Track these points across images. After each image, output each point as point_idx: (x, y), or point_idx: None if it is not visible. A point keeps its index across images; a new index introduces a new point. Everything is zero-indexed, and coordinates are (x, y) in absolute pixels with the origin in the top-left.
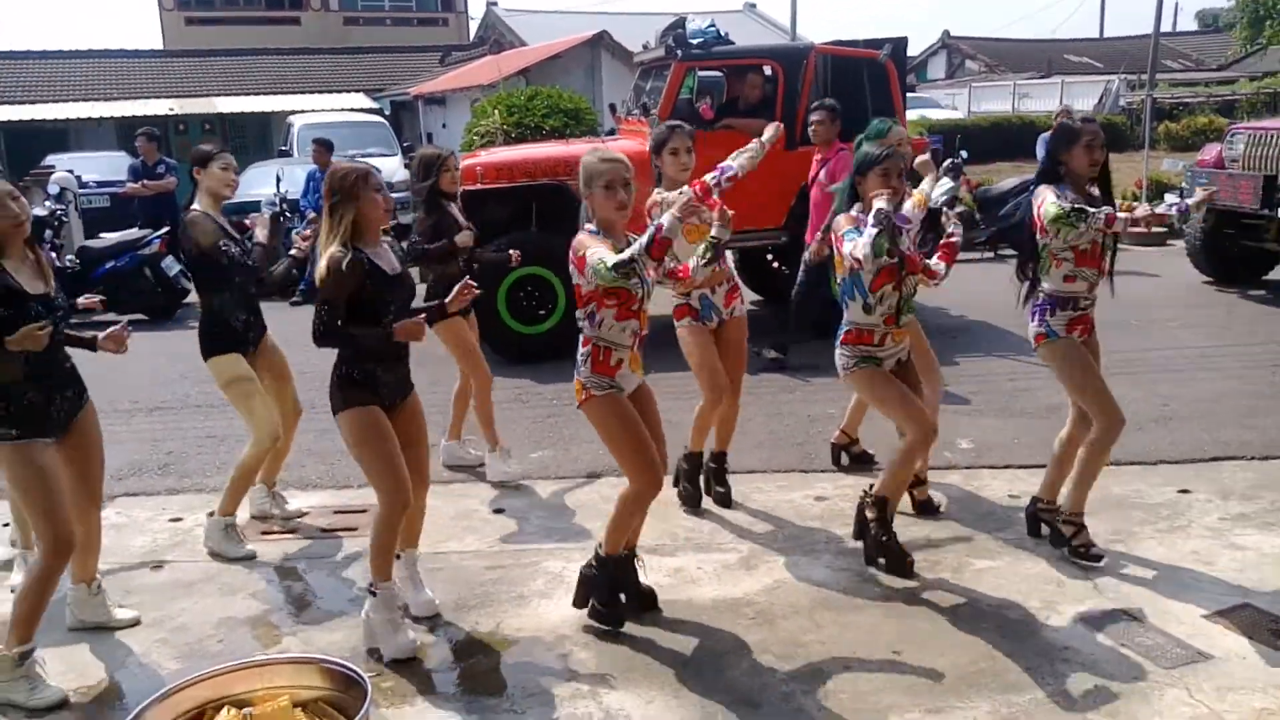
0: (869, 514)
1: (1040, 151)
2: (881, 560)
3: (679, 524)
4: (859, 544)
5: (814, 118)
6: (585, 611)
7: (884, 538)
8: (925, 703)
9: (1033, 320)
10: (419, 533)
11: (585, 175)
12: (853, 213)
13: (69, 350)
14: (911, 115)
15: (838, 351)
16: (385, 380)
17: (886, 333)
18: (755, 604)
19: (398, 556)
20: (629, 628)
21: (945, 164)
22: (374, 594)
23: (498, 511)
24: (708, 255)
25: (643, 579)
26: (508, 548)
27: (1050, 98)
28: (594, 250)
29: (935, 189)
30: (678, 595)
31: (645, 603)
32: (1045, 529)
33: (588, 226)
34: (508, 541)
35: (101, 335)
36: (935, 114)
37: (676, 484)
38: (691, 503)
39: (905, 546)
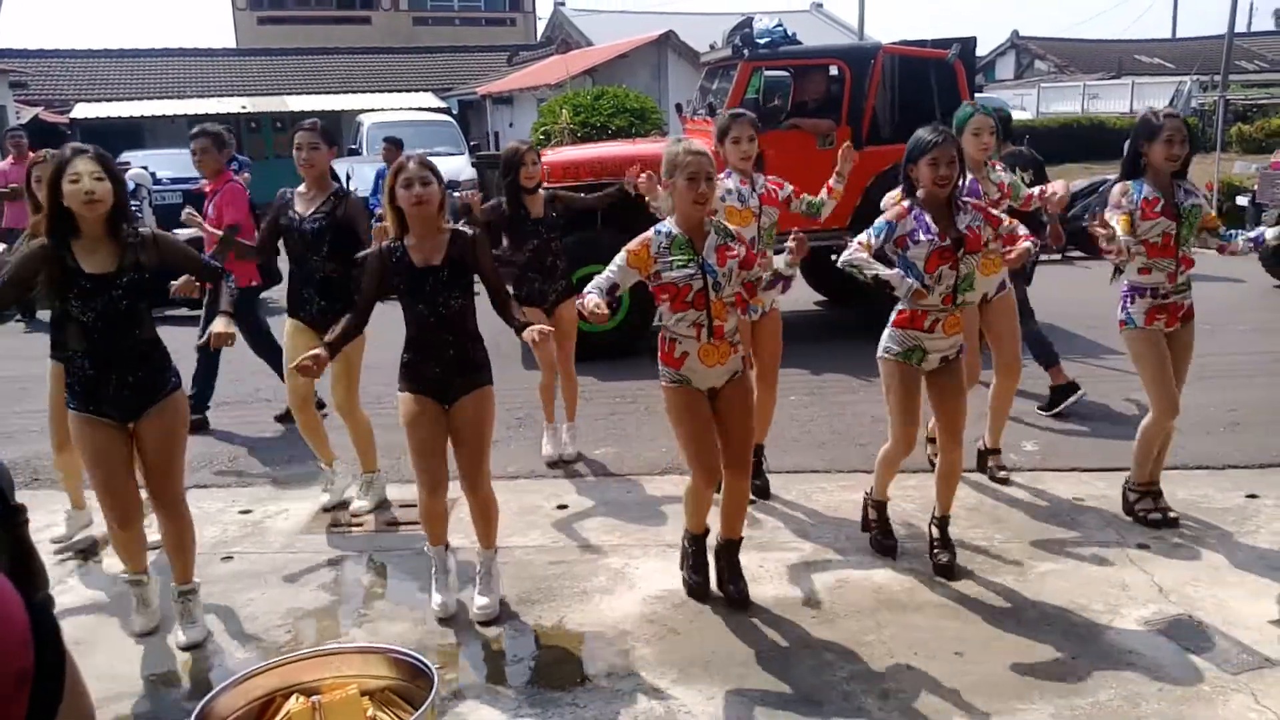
0: (870, 514)
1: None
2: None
3: None
4: (920, 544)
5: (194, 145)
6: (646, 609)
7: (878, 535)
8: (987, 704)
9: (1119, 306)
10: (482, 533)
11: (669, 164)
12: (905, 203)
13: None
14: None
15: (886, 332)
16: (428, 369)
17: (940, 317)
18: (817, 603)
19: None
20: (691, 625)
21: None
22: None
23: (561, 507)
24: (766, 282)
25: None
26: (571, 543)
27: (1120, 99)
28: (610, 267)
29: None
30: None
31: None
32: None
33: (662, 222)
34: (571, 537)
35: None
36: None
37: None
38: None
39: (891, 542)
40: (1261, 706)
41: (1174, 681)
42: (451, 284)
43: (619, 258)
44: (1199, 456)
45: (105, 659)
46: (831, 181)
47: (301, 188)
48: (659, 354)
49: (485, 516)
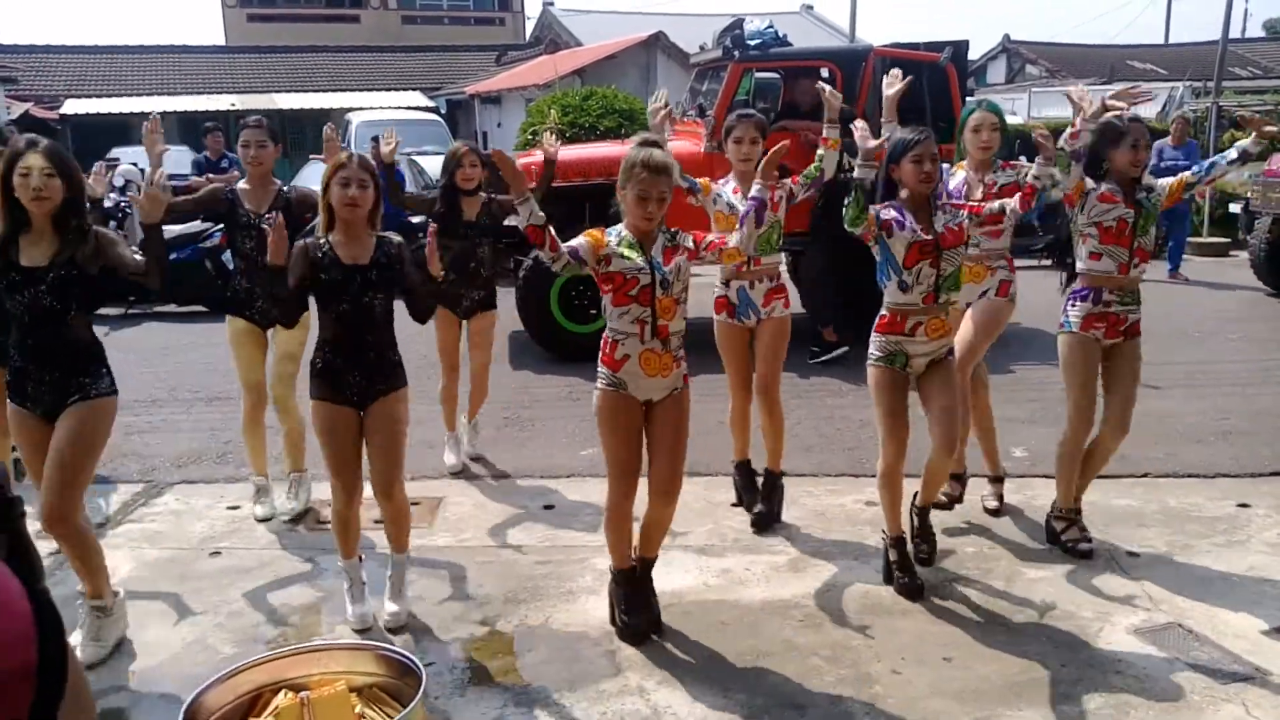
0: (891, 555)
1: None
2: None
3: (727, 525)
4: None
5: None
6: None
7: (904, 579)
8: (974, 710)
9: (1061, 309)
10: (394, 537)
11: (625, 170)
12: (888, 214)
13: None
14: None
15: (871, 339)
16: (343, 371)
17: (921, 320)
18: (803, 607)
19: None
20: (677, 627)
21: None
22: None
23: (548, 508)
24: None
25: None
26: (558, 544)
27: None
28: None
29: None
30: (726, 596)
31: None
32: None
33: (619, 225)
34: (557, 538)
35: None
36: None
37: (739, 501)
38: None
39: (919, 576)
40: (1253, 718)
41: (1163, 690)
42: (379, 285)
43: (579, 236)
44: (1190, 465)
45: None
46: (825, 132)
47: (244, 184)
48: (600, 356)
49: (398, 522)
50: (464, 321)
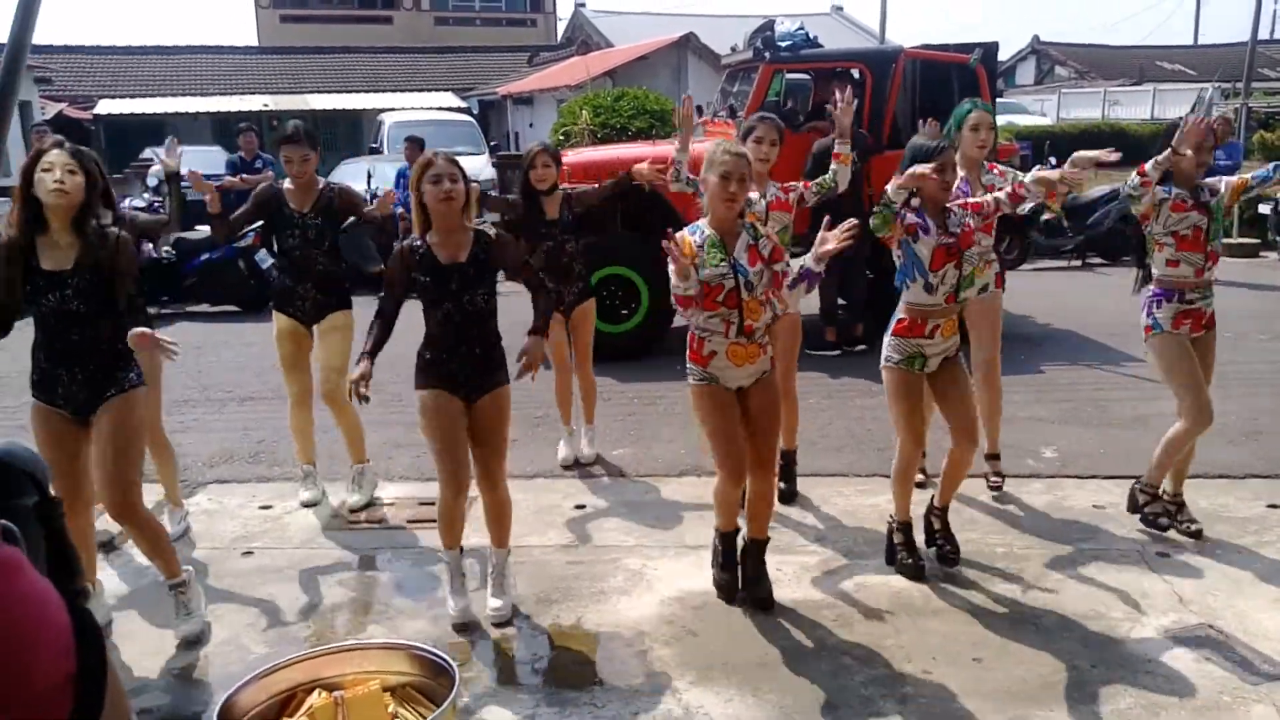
0: (896, 538)
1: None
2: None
3: None
4: (936, 550)
5: None
6: (664, 610)
7: (908, 560)
8: (1005, 710)
9: (1143, 313)
10: (495, 533)
11: (706, 161)
12: (911, 218)
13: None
14: (1000, 121)
15: (886, 340)
16: (450, 366)
17: (940, 322)
18: (835, 607)
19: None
20: (709, 627)
21: (1034, 170)
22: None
23: (579, 507)
24: (792, 278)
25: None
26: (589, 543)
27: (1142, 105)
28: (671, 269)
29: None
30: None
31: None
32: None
33: (694, 223)
34: (589, 537)
35: (134, 331)
36: (1024, 120)
37: None
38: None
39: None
40: None
41: (1194, 691)
42: (477, 281)
43: (673, 272)
44: (1220, 465)
45: (128, 652)
46: (836, 147)
47: (289, 184)
48: (687, 352)
49: (500, 516)
50: (567, 317)
